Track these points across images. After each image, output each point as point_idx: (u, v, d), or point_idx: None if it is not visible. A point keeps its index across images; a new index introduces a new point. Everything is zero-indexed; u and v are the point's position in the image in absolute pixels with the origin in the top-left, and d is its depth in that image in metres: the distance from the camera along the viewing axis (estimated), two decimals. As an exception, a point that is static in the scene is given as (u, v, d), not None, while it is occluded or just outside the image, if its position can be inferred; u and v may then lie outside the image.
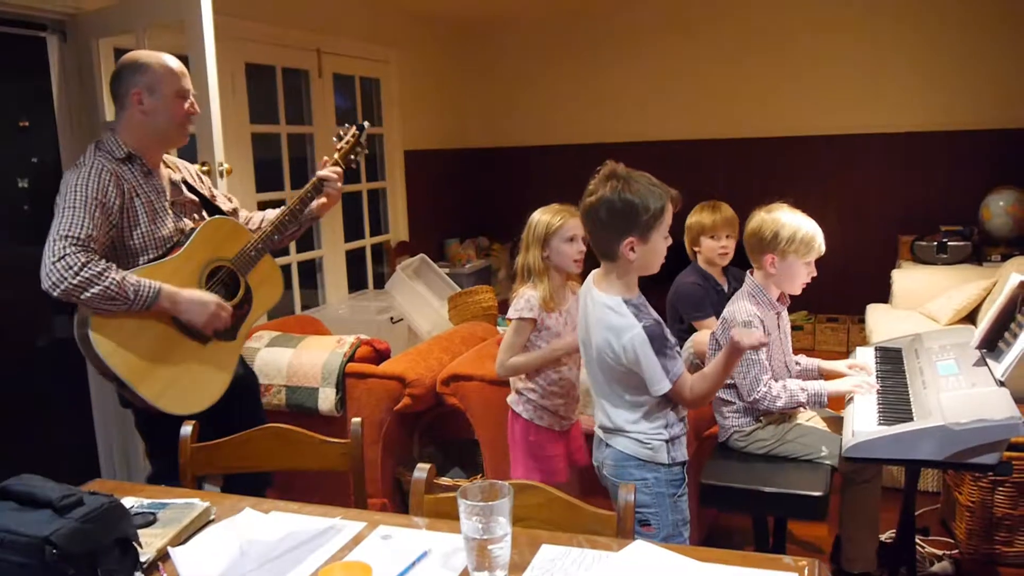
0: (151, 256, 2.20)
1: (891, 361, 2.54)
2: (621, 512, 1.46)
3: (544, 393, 2.36)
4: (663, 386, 1.81)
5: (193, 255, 2.24)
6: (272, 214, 2.52)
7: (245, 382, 2.47)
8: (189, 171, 2.47)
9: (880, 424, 2.06)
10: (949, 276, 4.47)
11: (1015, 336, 2.07)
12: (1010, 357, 2.04)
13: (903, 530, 2.39)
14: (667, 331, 1.87)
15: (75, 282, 1.97)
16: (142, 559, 1.34)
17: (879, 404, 2.20)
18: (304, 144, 4.99)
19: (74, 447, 3.49)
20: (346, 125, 2.59)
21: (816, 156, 5.72)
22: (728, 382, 2.37)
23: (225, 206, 2.49)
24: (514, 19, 6.29)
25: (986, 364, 2.16)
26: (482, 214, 6.70)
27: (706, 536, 2.81)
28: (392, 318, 4.69)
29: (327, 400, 2.94)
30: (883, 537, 2.71)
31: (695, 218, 2.99)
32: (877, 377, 2.40)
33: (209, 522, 1.54)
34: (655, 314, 1.88)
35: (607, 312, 1.85)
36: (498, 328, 3.73)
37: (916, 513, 2.50)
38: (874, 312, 4.54)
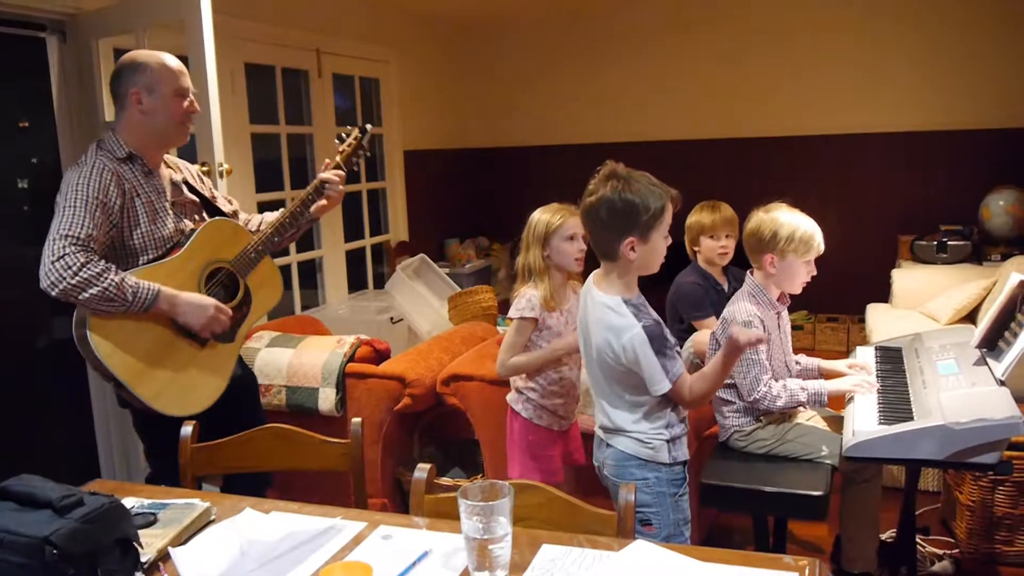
0: (151, 256, 2.20)
1: (891, 361, 2.54)
2: (622, 512, 1.46)
3: (544, 393, 2.36)
4: (663, 386, 1.81)
5: (193, 256, 2.23)
6: (271, 216, 2.52)
7: (244, 382, 2.47)
8: (190, 171, 2.46)
9: (880, 424, 2.06)
10: (949, 276, 4.47)
11: (1015, 335, 2.07)
12: (1010, 356, 2.04)
13: (903, 529, 2.39)
14: (667, 331, 1.87)
15: (74, 282, 1.97)
16: (143, 559, 1.34)
17: (879, 404, 2.20)
18: (304, 144, 4.99)
19: (74, 447, 3.49)
20: (348, 127, 2.59)
21: (816, 156, 5.72)
22: (728, 382, 2.37)
23: (225, 208, 2.48)
24: (514, 19, 6.29)
25: (986, 363, 2.16)
26: (482, 214, 6.70)
27: (706, 536, 2.81)
28: (392, 318, 4.69)
29: (327, 400, 2.94)
30: (883, 537, 2.71)
31: (695, 218, 3.00)
32: (877, 377, 2.40)
33: (210, 522, 1.54)
34: (655, 314, 1.88)
35: (607, 312, 1.85)
36: (498, 328, 3.73)
37: (916, 512, 2.51)
38: (874, 312, 4.54)
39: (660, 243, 1.85)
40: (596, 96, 6.31)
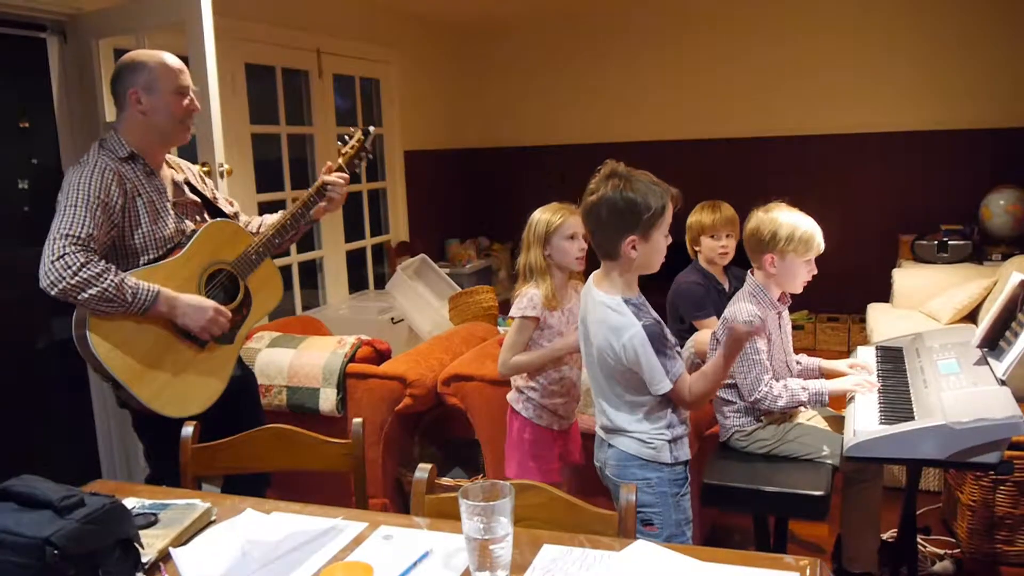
0: (151, 256, 2.20)
1: (892, 360, 2.54)
2: (622, 512, 1.46)
3: (545, 392, 2.36)
4: (663, 386, 1.81)
5: (193, 257, 2.23)
6: (271, 218, 2.52)
7: (243, 382, 2.47)
8: (192, 172, 2.46)
9: (881, 423, 2.06)
10: (950, 275, 4.47)
11: (1016, 335, 2.07)
12: (1011, 356, 2.04)
13: (904, 529, 2.39)
14: (667, 331, 1.87)
15: (73, 282, 1.97)
16: (143, 560, 1.33)
17: (880, 403, 2.20)
18: (304, 145, 4.99)
19: (75, 447, 3.49)
20: (351, 128, 2.58)
21: (816, 156, 5.72)
22: (729, 382, 2.37)
23: (227, 209, 2.48)
24: (514, 19, 6.29)
25: (987, 363, 2.16)
26: (482, 214, 6.70)
27: (707, 536, 2.81)
28: (393, 318, 4.69)
29: (328, 400, 2.94)
30: (884, 536, 2.71)
31: (695, 218, 3.00)
32: (878, 376, 2.40)
33: (210, 523, 1.54)
34: (655, 314, 1.88)
35: (607, 312, 1.85)
36: (499, 328, 3.73)
37: (917, 512, 2.51)
38: (875, 311, 4.54)
39: (661, 242, 1.85)
40: (596, 96, 6.31)
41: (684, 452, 1.93)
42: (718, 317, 2.59)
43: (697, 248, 3.02)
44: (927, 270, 4.70)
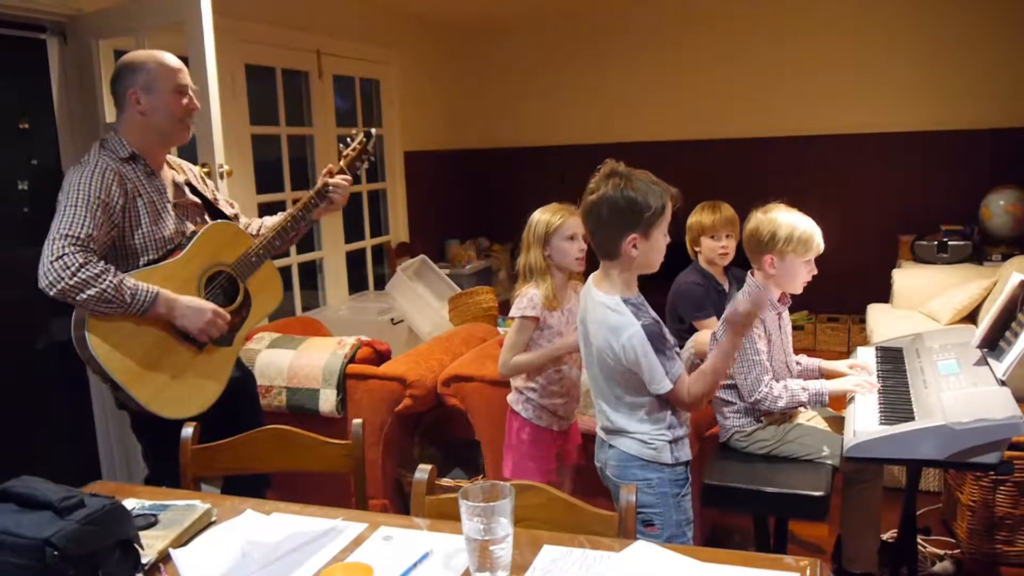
0: (151, 257, 2.20)
1: (892, 361, 2.54)
2: (622, 512, 1.46)
3: (544, 392, 2.36)
4: (664, 385, 1.81)
5: (193, 259, 2.23)
6: (271, 220, 2.51)
7: (242, 383, 2.47)
8: (193, 172, 2.46)
9: (881, 424, 2.06)
10: (949, 275, 4.47)
11: (1016, 335, 2.07)
12: (1011, 356, 2.04)
13: (904, 530, 2.39)
14: (666, 331, 1.87)
15: (72, 282, 1.96)
16: (143, 561, 1.33)
17: (880, 404, 2.20)
18: (304, 145, 4.99)
19: (74, 448, 3.49)
20: (354, 131, 2.58)
21: (816, 156, 5.72)
22: (729, 383, 2.37)
23: (227, 211, 2.48)
24: (514, 20, 6.30)
25: (987, 363, 2.16)
26: (482, 215, 6.70)
27: (707, 536, 2.81)
28: (393, 319, 4.69)
29: (328, 401, 2.94)
30: (884, 537, 2.71)
31: (695, 218, 3.00)
32: (878, 377, 2.40)
33: (210, 524, 1.54)
34: (654, 313, 1.89)
35: (606, 312, 1.85)
36: (498, 329, 3.73)
37: (917, 513, 2.50)
38: (875, 312, 4.54)
39: (661, 240, 1.86)
40: (596, 96, 6.31)
41: (685, 453, 1.93)
42: (718, 318, 2.60)
43: (697, 248, 3.02)
44: (927, 270, 4.70)
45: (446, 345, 3.16)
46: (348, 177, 2.48)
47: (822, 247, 2.34)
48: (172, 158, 2.41)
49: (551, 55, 6.38)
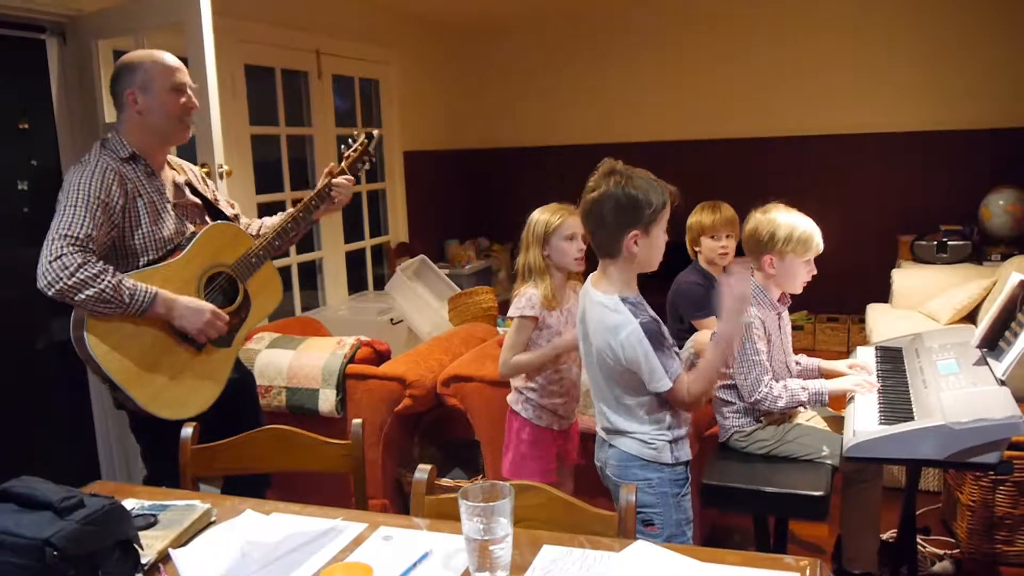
0: (151, 257, 2.20)
1: (892, 361, 2.54)
2: (622, 512, 1.46)
3: (544, 392, 2.36)
4: (663, 383, 1.81)
5: (193, 260, 2.23)
6: (271, 221, 2.51)
7: (242, 383, 2.47)
8: (193, 173, 2.46)
9: (881, 424, 2.06)
10: (949, 275, 4.47)
11: (1015, 335, 2.07)
12: (1011, 356, 2.04)
13: (904, 530, 2.39)
14: (664, 329, 1.87)
15: (70, 283, 1.96)
16: (143, 561, 1.33)
17: (880, 404, 2.20)
18: (304, 146, 4.99)
19: (74, 448, 3.49)
20: (355, 132, 2.59)
21: (816, 156, 5.72)
22: (729, 382, 2.37)
23: (227, 212, 2.48)
24: (514, 20, 6.30)
25: (987, 363, 2.16)
26: (482, 215, 6.70)
27: (707, 536, 2.81)
28: (392, 319, 4.69)
29: (328, 401, 2.94)
30: (884, 537, 2.71)
31: (695, 218, 3.00)
32: (878, 377, 2.40)
33: (210, 524, 1.54)
34: (652, 312, 1.89)
35: (604, 311, 1.85)
36: (498, 329, 3.73)
37: (917, 512, 2.51)
38: (874, 312, 4.54)
39: (661, 238, 1.86)
40: (596, 96, 6.31)
41: (685, 452, 1.93)
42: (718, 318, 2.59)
43: (697, 248, 3.02)
44: (926, 270, 4.70)
45: (446, 345, 3.16)
46: (351, 178, 2.49)
47: (821, 247, 2.34)
48: (173, 158, 2.41)
49: (551, 55, 6.38)
